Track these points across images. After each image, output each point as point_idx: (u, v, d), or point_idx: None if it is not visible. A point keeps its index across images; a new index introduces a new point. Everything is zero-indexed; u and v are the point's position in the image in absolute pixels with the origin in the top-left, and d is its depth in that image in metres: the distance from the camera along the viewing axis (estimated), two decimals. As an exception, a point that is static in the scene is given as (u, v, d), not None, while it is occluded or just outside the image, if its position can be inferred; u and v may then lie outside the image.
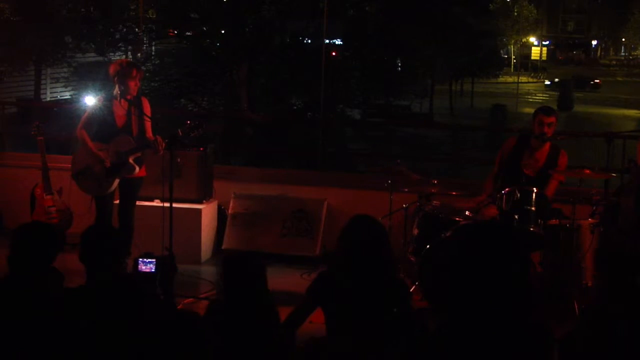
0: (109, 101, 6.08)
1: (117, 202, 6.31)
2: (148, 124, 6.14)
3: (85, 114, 6.17)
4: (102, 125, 6.08)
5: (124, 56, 21.57)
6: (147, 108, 6.16)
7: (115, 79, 6.03)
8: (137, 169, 6.11)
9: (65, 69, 20.96)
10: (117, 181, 6.11)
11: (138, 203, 6.40)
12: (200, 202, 7.04)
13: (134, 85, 6.01)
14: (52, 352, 3.14)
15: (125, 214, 6.22)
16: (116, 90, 6.06)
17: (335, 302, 3.77)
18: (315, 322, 4.68)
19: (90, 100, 6.20)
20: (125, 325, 2.90)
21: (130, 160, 6.04)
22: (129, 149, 6.02)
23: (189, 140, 6.23)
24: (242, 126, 16.81)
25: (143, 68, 18.75)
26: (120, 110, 6.08)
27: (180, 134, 5.90)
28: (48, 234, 3.71)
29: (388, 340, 3.51)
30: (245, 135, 16.20)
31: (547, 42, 60.19)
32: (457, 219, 5.93)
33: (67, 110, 14.27)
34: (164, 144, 5.96)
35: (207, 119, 6.15)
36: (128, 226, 6.19)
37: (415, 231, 6.17)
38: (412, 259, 6.08)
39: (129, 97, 6.03)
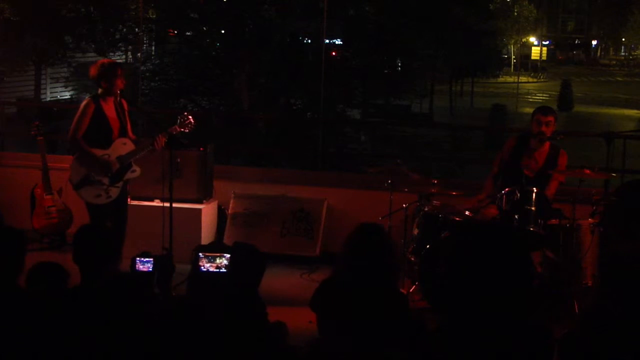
0: (99, 104, 5.90)
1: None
2: (128, 121, 6.07)
3: (75, 120, 5.90)
4: (97, 130, 5.89)
5: (124, 56, 21.58)
6: (125, 106, 6.06)
7: (101, 81, 5.86)
8: (139, 170, 6.05)
9: (65, 69, 20.96)
10: (121, 185, 5.99)
11: (138, 203, 6.39)
12: (200, 202, 7.04)
13: (120, 84, 5.86)
14: (47, 353, 3.13)
15: (121, 219, 6.06)
16: (101, 92, 5.89)
17: (336, 307, 3.76)
18: (315, 322, 4.66)
19: (87, 99, 6.07)
20: (122, 324, 2.90)
21: (133, 163, 5.98)
22: (130, 151, 5.94)
23: (186, 136, 6.17)
24: (243, 126, 16.81)
25: (143, 68, 18.82)
26: (111, 112, 5.93)
27: (178, 129, 5.88)
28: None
29: (387, 345, 3.50)
30: (258, 133, 16.17)
31: (547, 42, 60.12)
32: (457, 219, 5.93)
33: (67, 110, 14.28)
34: (163, 142, 5.89)
35: (197, 115, 6.08)
36: (121, 230, 6.03)
37: (415, 231, 6.17)
38: (412, 259, 6.08)
39: (116, 96, 5.90)
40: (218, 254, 3.49)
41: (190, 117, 5.91)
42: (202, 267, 3.41)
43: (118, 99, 5.95)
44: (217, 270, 3.45)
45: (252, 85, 19.15)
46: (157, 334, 2.33)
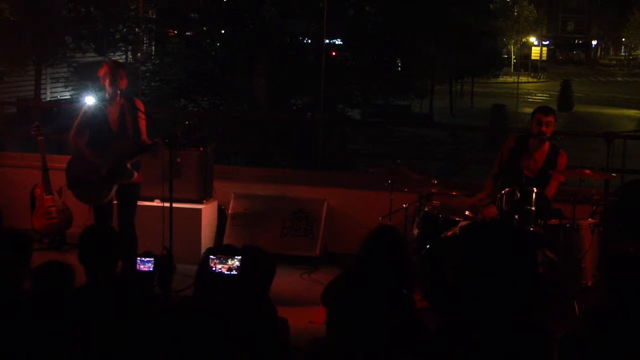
0: (102, 105, 5.88)
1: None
2: (143, 123, 5.98)
3: (77, 120, 5.94)
4: (96, 131, 5.87)
5: (124, 56, 21.58)
6: (140, 107, 5.99)
7: (105, 81, 5.83)
8: (136, 174, 6.01)
9: (65, 69, 20.96)
10: (115, 188, 5.93)
11: (138, 203, 6.35)
12: (200, 202, 7.04)
13: (118, 85, 5.81)
14: (52, 352, 3.13)
15: (126, 221, 6.01)
16: (106, 94, 5.88)
17: (346, 305, 3.76)
18: (316, 322, 4.67)
19: (89, 100, 6.07)
20: (124, 324, 2.90)
21: (128, 166, 5.94)
22: (126, 153, 5.88)
23: (189, 141, 6.16)
24: (243, 126, 16.81)
25: (143, 68, 18.82)
26: (113, 114, 5.89)
27: (180, 134, 5.86)
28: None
29: (392, 344, 3.51)
30: (260, 133, 16.14)
31: (547, 42, 60.13)
32: (457, 219, 5.93)
33: (67, 110, 14.28)
34: (163, 147, 5.87)
35: (202, 119, 6.06)
36: (130, 234, 5.96)
37: (415, 231, 6.17)
38: (412, 259, 6.08)
39: (118, 99, 5.87)
40: (229, 256, 3.49)
41: (198, 128, 5.88)
42: (214, 269, 3.42)
43: (120, 100, 5.91)
44: (229, 272, 3.45)
45: (255, 85, 19.16)
46: (163, 334, 2.33)
